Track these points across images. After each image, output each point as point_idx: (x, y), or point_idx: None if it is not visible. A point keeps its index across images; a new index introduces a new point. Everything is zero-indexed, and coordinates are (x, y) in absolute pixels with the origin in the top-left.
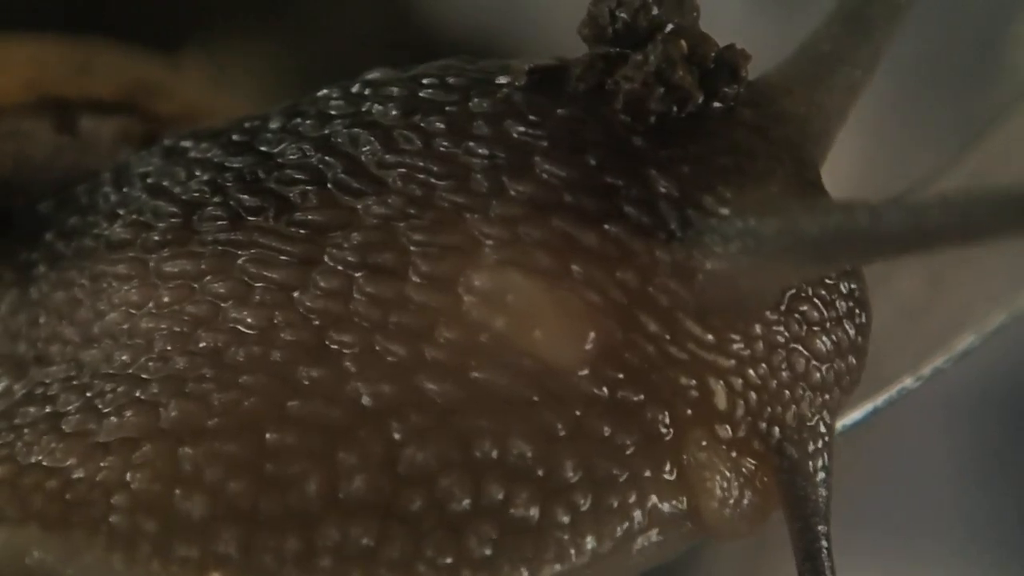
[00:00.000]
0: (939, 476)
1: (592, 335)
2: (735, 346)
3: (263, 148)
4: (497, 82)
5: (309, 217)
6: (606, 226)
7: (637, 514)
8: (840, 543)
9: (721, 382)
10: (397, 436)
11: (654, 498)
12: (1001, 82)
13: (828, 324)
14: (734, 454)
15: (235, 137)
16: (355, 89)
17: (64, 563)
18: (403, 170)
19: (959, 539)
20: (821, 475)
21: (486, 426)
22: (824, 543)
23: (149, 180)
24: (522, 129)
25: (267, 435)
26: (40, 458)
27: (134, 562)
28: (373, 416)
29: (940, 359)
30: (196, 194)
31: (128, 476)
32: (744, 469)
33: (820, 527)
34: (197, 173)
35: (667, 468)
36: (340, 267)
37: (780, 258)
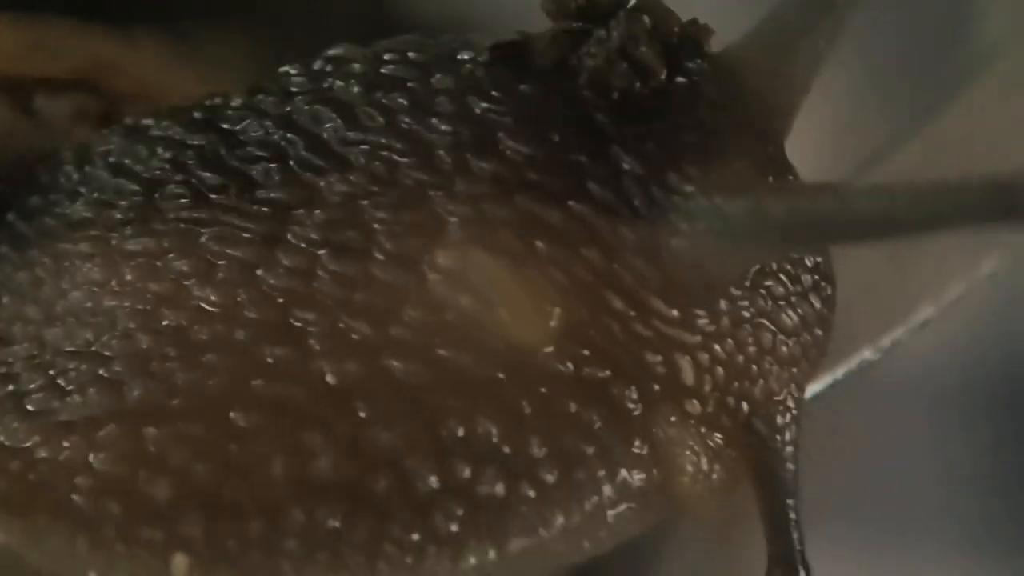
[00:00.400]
0: (905, 452)
1: (557, 313)
2: (700, 322)
3: (225, 126)
4: (459, 58)
5: (271, 195)
6: (570, 204)
7: (606, 488)
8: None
9: (688, 358)
10: (362, 415)
11: (623, 472)
12: (961, 55)
13: (794, 298)
14: (703, 429)
15: (196, 115)
16: (317, 66)
17: (27, 546)
18: (366, 147)
19: (929, 513)
20: (789, 449)
21: (452, 405)
22: (793, 516)
23: (111, 159)
24: (485, 105)
25: (231, 415)
26: (1, 438)
27: (99, 546)
28: (338, 396)
29: (899, 331)
30: (158, 172)
31: (91, 457)
32: (713, 444)
33: (788, 501)
34: (159, 151)
35: (636, 443)
36: (303, 245)
37: (747, 239)
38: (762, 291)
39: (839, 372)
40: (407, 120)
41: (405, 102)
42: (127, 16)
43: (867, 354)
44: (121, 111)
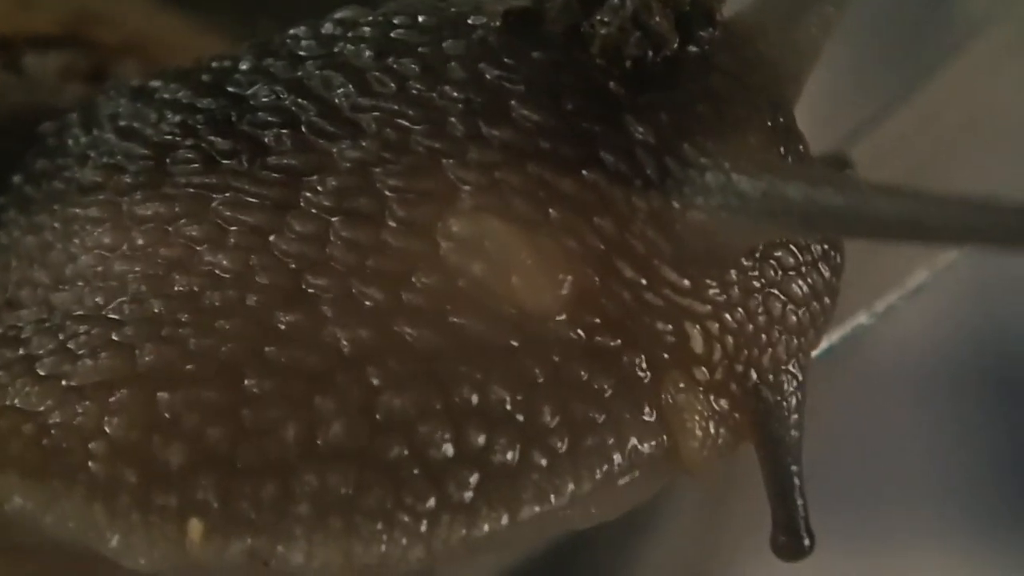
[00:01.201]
0: (895, 420)
1: (569, 280)
2: (711, 292)
3: (234, 90)
4: (470, 22)
5: (283, 161)
6: (583, 172)
7: (616, 456)
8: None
9: (697, 326)
10: (375, 382)
11: (633, 439)
12: (954, 22)
13: (804, 268)
14: (711, 396)
15: (204, 78)
16: (326, 29)
17: (43, 510)
18: (377, 114)
19: (922, 486)
20: (795, 416)
21: (465, 372)
22: (796, 481)
23: (120, 122)
24: (497, 72)
25: (244, 381)
26: (15, 401)
27: (115, 513)
28: (351, 361)
29: (894, 295)
30: (168, 136)
31: (105, 422)
32: (719, 409)
33: (792, 466)
34: (168, 115)
35: (646, 410)
36: (315, 211)
37: (763, 219)
38: (772, 261)
39: (835, 337)
40: (418, 86)
41: (416, 68)
42: None
43: (862, 319)
44: (110, 66)
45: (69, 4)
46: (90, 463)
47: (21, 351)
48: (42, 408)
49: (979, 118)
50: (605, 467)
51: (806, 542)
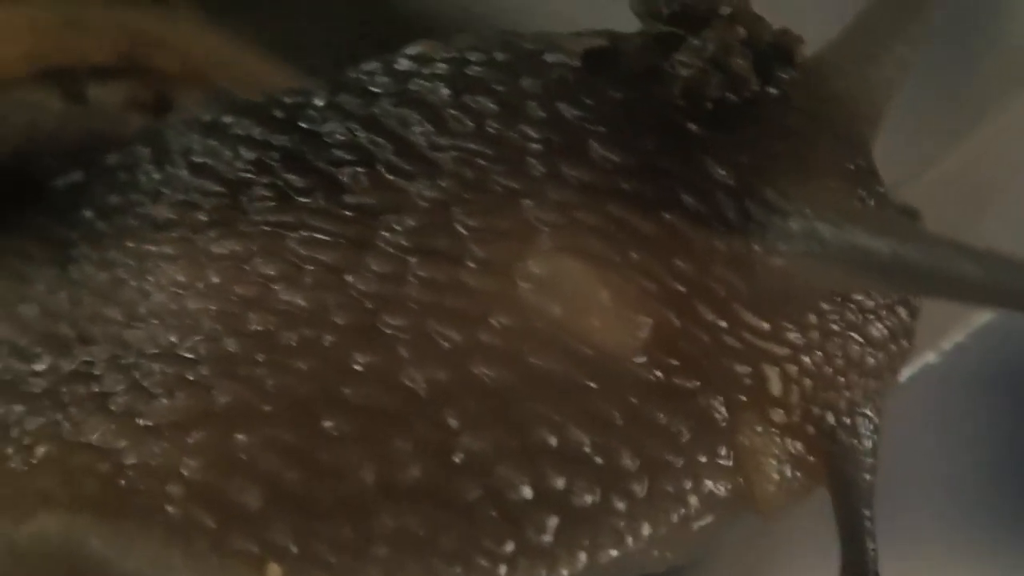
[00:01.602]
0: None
1: (648, 323)
2: (790, 334)
3: (308, 126)
4: (546, 59)
5: (360, 199)
6: (663, 214)
7: (693, 499)
8: None
9: (776, 368)
10: (452, 423)
11: (709, 483)
12: (994, 70)
13: (883, 311)
14: (788, 438)
15: (277, 113)
16: (400, 65)
17: (121, 555)
18: (455, 153)
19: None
20: (869, 460)
21: (543, 413)
22: (867, 524)
23: (192, 158)
24: (576, 112)
25: (321, 423)
26: (89, 438)
27: (193, 556)
28: (427, 403)
29: (961, 334)
30: (242, 173)
31: (182, 463)
32: (795, 451)
33: (865, 511)
34: (242, 151)
35: (722, 453)
36: (392, 250)
37: (845, 270)
38: (852, 304)
39: (903, 376)
40: (496, 125)
41: (494, 106)
42: None
43: (930, 358)
44: (173, 95)
45: (122, 25)
46: (167, 506)
47: (96, 388)
48: (118, 447)
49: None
50: (682, 511)
51: None
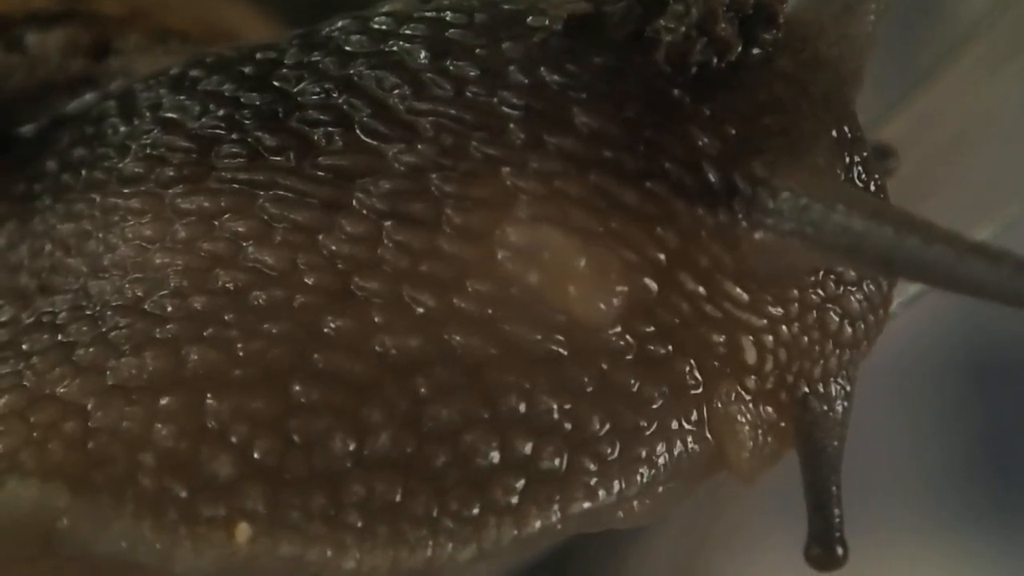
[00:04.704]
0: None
1: (625, 292)
2: (770, 307)
3: (280, 84)
4: (529, 23)
5: (335, 161)
6: (647, 184)
7: (663, 460)
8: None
9: (751, 338)
10: (422, 391)
11: (681, 447)
12: (941, 32)
13: (865, 283)
14: (761, 404)
15: (248, 70)
16: (375, 23)
17: (96, 533)
18: (434, 118)
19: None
20: (839, 428)
21: (513, 381)
22: (835, 491)
23: (161, 113)
24: (558, 78)
25: (292, 389)
26: (54, 390)
27: (163, 528)
28: (398, 371)
29: (893, 303)
30: (211, 130)
31: (153, 431)
32: (768, 417)
33: (832, 477)
34: (211, 108)
35: (694, 418)
36: (367, 212)
37: (838, 253)
38: (833, 277)
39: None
40: (477, 90)
41: (474, 71)
42: None
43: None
44: (113, 38)
45: None
46: (139, 476)
47: (58, 337)
48: (84, 404)
49: (973, 125)
50: (652, 472)
51: (839, 552)
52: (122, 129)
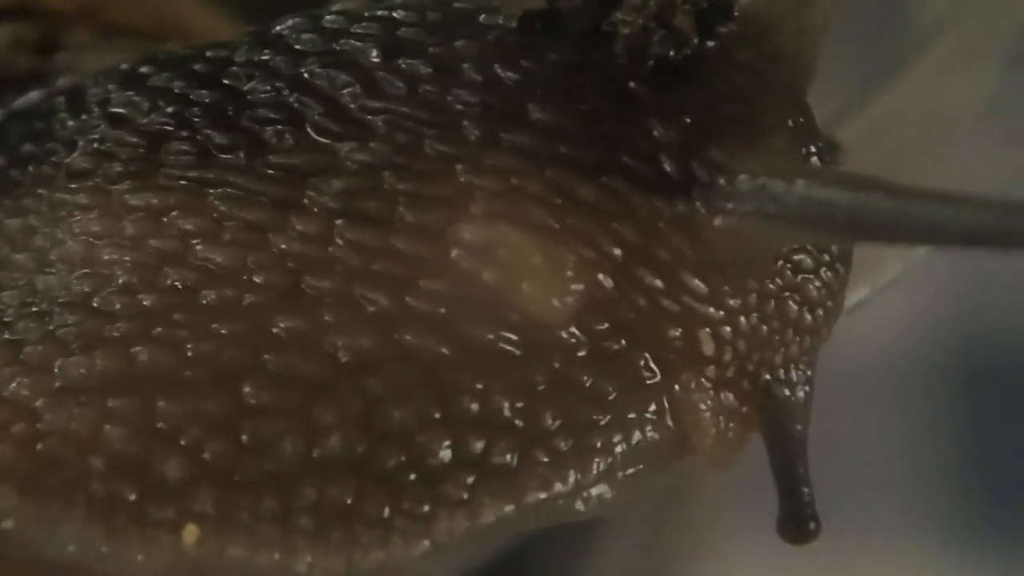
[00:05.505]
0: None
1: (581, 289)
2: (729, 299)
3: (230, 83)
4: (481, 21)
5: (286, 159)
6: (604, 179)
7: (620, 449)
8: None
9: (708, 331)
10: (375, 393)
11: (638, 435)
12: (903, 32)
13: (822, 269)
14: (721, 392)
15: (198, 68)
16: (326, 22)
17: (44, 538)
18: (387, 116)
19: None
20: (803, 412)
21: (466, 382)
22: (803, 472)
23: (110, 108)
24: (513, 75)
25: (243, 390)
26: (3, 392)
27: (112, 532)
28: (351, 371)
29: (865, 289)
30: (160, 126)
31: (103, 433)
32: (729, 404)
33: (799, 459)
34: (161, 104)
35: (652, 409)
36: (319, 211)
37: (802, 225)
38: (790, 264)
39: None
40: (430, 88)
41: (427, 69)
42: None
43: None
44: (61, 34)
45: None
46: (89, 479)
47: (6, 335)
48: (34, 405)
49: (929, 129)
50: (609, 460)
51: (811, 526)
52: (70, 124)
